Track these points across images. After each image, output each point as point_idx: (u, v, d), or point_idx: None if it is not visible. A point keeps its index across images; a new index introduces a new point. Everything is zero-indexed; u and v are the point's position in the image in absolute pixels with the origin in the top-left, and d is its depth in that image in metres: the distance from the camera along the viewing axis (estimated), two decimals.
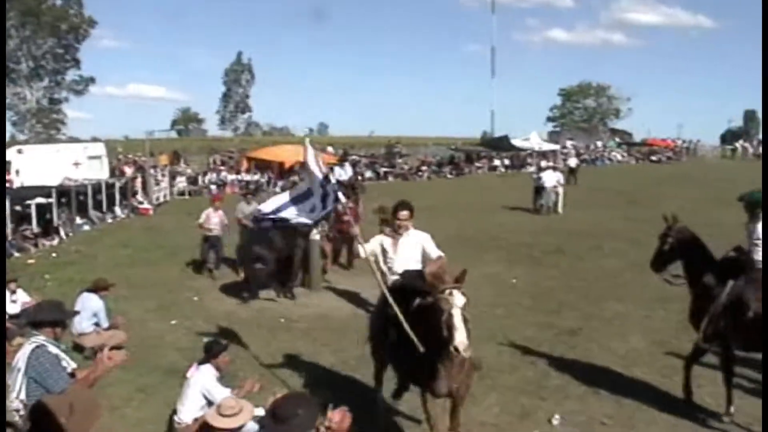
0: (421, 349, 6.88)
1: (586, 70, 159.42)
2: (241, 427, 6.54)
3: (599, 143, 70.51)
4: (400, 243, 8.21)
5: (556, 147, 57.34)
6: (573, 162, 45.24)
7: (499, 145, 54.77)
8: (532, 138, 54.89)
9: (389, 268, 8.24)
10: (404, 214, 8.21)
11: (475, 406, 8.67)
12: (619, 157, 64.27)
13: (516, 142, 53.44)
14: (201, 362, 7.70)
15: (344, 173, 31.08)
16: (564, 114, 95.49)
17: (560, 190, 28.54)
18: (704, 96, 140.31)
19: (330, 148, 47.62)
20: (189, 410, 7.42)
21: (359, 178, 35.08)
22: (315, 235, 14.75)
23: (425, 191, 35.17)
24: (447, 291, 6.47)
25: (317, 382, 9.56)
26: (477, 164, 51.73)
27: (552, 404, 8.88)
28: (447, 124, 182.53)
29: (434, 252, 8.06)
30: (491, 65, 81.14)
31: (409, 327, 7.05)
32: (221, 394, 7.26)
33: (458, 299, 6.42)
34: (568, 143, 62.52)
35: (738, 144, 75.16)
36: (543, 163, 38.47)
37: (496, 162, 52.73)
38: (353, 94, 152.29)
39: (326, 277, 15.85)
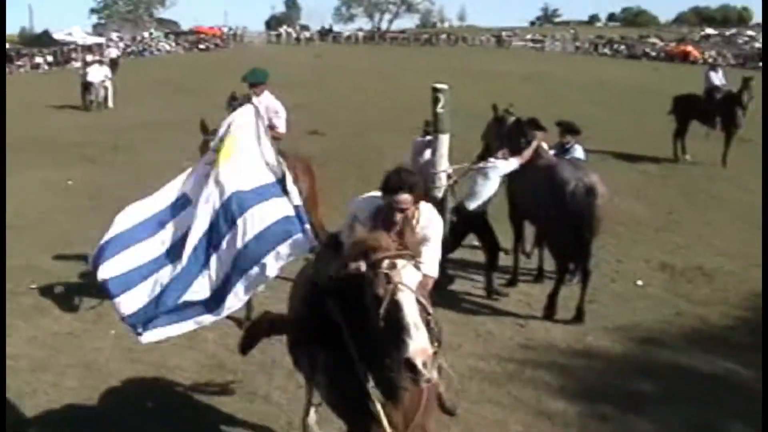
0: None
1: None
2: None
3: (146, 34, 69.15)
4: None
5: (102, 40, 55.07)
6: (114, 53, 43.94)
7: (39, 41, 51.16)
8: (75, 32, 52.09)
9: None
10: (405, 198, 4.51)
11: (44, 317, 8.36)
12: (167, 47, 63.71)
13: (58, 36, 50.33)
14: None
15: None
16: (108, 5, 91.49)
17: (109, 84, 27.49)
18: None
19: None
20: None
21: None
22: None
23: None
24: (386, 261, 3.86)
25: None
26: (18, 63, 47.29)
27: None
28: None
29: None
30: None
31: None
32: None
33: (407, 273, 3.85)
34: (114, 35, 60.41)
35: (282, 29, 78.76)
36: (89, 58, 36.54)
37: (38, 59, 48.87)
38: None
39: None
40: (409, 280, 3.81)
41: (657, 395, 6.87)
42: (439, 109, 9.01)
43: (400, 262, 3.85)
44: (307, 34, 78.45)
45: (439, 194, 9.36)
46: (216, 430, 6.23)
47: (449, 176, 9.37)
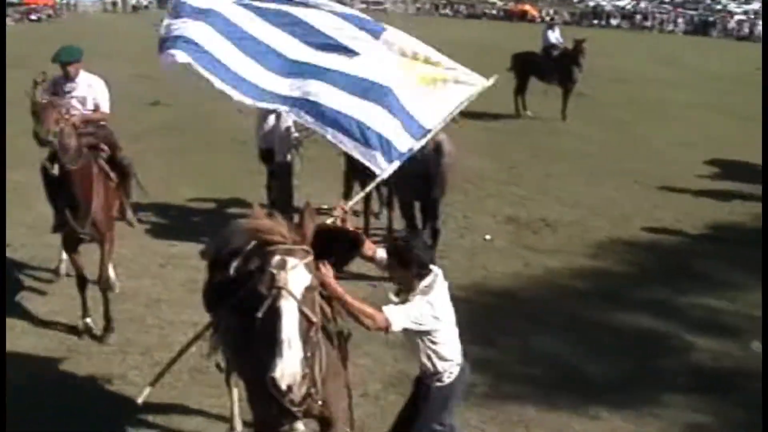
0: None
1: None
2: None
3: None
4: None
5: None
6: None
7: None
8: None
9: None
10: None
11: None
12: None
13: None
14: None
15: None
16: None
17: None
18: None
19: None
20: None
21: None
22: None
23: None
24: (276, 257, 3.46)
25: None
26: None
27: None
28: None
29: None
30: None
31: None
32: None
33: (295, 276, 3.44)
34: None
35: None
36: None
37: None
38: None
39: None
40: (296, 285, 3.41)
41: (511, 338, 7.21)
42: None
43: (290, 261, 3.43)
44: (144, 1, 75.59)
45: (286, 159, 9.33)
46: (72, 415, 6.00)
47: (295, 140, 9.33)
